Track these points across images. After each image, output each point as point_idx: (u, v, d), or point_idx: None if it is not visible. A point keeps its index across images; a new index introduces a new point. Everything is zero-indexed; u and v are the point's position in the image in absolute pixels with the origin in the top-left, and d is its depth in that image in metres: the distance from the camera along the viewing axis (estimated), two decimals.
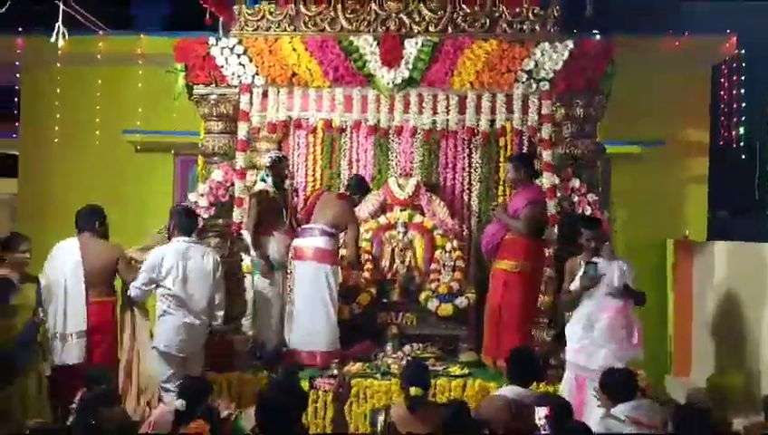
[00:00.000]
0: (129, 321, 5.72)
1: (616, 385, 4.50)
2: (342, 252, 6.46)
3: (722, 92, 8.20)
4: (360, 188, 6.61)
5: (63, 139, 8.40)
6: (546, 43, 5.82)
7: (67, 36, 6.19)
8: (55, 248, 5.63)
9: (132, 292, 5.55)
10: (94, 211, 5.73)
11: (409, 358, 6.12)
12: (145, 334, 5.72)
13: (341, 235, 6.42)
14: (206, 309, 5.54)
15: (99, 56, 8.23)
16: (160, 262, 5.46)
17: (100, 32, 7.83)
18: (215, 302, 5.59)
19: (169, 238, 5.67)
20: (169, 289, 5.45)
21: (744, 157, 7.71)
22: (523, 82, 5.84)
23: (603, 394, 4.55)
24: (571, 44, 5.82)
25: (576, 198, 5.85)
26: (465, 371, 6.01)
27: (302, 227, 6.42)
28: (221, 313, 5.64)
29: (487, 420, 4.42)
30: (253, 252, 6.20)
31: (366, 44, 5.90)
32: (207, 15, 7.42)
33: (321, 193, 6.70)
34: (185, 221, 5.59)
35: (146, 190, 8.33)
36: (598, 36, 7.04)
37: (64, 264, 5.54)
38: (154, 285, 5.51)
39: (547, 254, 6.25)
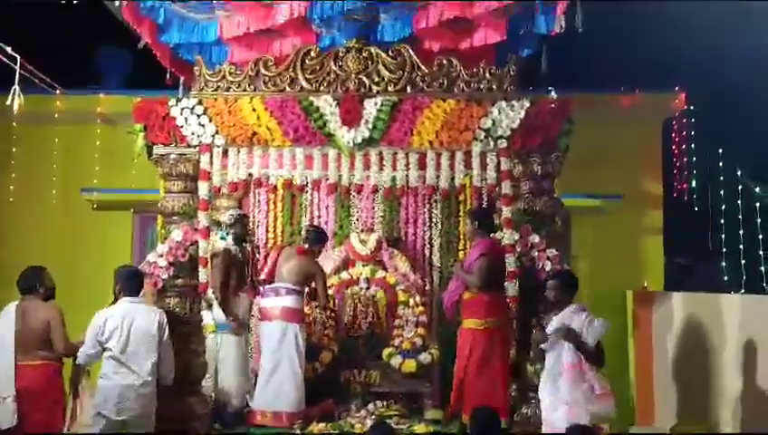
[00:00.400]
0: (83, 388, 5.55)
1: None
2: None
3: (673, 147, 8.43)
4: (318, 240, 6.61)
5: (19, 198, 8.28)
6: (503, 102, 5.92)
7: (23, 97, 6.14)
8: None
9: (80, 358, 5.40)
10: (34, 273, 5.57)
11: (373, 416, 6.10)
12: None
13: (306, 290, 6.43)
14: (152, 370, 5.38)
15: (56, 115, 8.18)
16: (103, 324, 5.34)
17: (58, 91, 7.79)
18: (162, 362, 5.45)
19: (115, 300, 5.57)
20: (111, 351, 5.32)
21: (696, 208, 7.89)
22: (481, 140, 5.91)
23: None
24: (527, 103, 5.92)
25: (536, 254, 5.89)
26: (430, 429, 5.98)
27: (267, 286, 6.41)
28: (170, 374, 5.49)
29: None
30: (220, 312, 6.20)
31: (326, 104, 5.94)
32: (168, 75, 7.47)
33: (282, 249, 6.69)
34: (129, 282, 5.51)
35: (104, 249, 8.22)
36: (554, 93, 7.20)
37: (3, 327, 5.39)
38: (101, 349, 5.36)
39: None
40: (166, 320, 5.48)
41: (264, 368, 6.19)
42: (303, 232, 6.86)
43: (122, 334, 5.33)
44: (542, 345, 5.31)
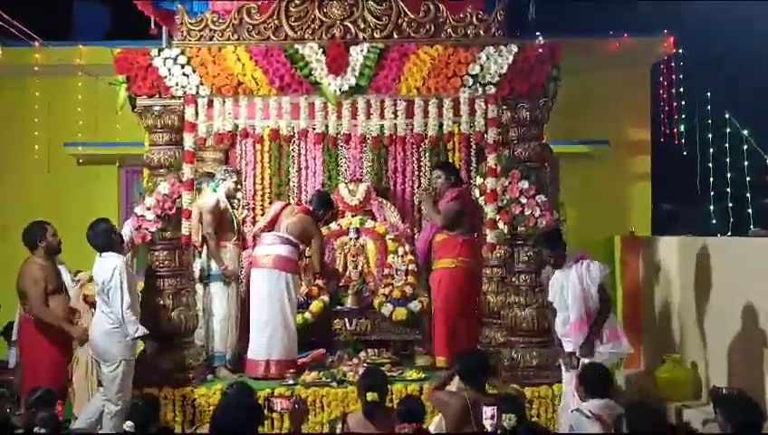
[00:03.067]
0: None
1: (591, 380, 4.60)
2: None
3: (661, 91, 8.41)
4: (320, 204, 6.61)
5: (1, 154, 8.19)
6: (491, 48, 5.86)
7: (1, 49, 6.02)
8: None
9: None
10: (34, 229, 5.72)
11: (365, 365, 6.15)
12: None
13: (306, 249, 6.53)
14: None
15: (36, 68, 8.04)
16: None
17: (37, 43, 7.65)
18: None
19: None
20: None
21: (685, 153, 7.91)
22: (469, 87, 5.87)
23: (581, 386, 4.66)
24: (515, 48, 5.87)
25: (525, 200, 5.91)
26: (422, 375, 6.05)
27: (263, 234, 6.44)
28: (128, 324, 5.38)
29: (443, 413, 4.50)
30: (213, 263, 6.25)
31: (311, 52, 5.87)
32: (152, 25, 7.33)
33: (287, 205, 6.71)
34: (97, 235, 5.52)
35: (90, 204, 8.16)
36: (542, 39, 7.14)
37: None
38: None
39: (496, 254, 6.38)
40: (119, 266, 5.38)
41: (256, 317, 6.24)
42: (296, 187, 6.97)
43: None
44: (549, 297, 5.43)
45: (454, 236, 6.31)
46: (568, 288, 5.30)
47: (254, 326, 6.23)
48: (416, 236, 7.12)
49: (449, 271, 6.29)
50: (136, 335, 5.40)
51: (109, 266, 5.39)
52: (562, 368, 5.44)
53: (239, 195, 6.78)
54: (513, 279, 6.05)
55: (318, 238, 6.47)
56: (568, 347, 5.33)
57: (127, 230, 6.01)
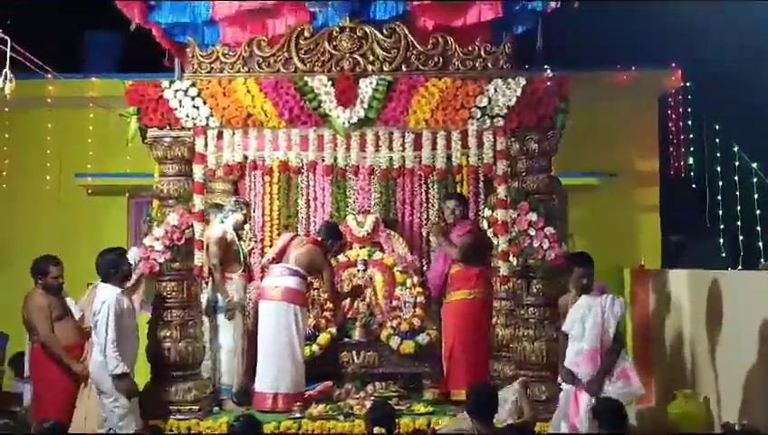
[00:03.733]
0: None
1: (606, 415, 4.54)
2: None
3: (669, 124, 8.42)
4: (329, 234, 6.56)
5: (12, 184, 8.24)
6: (499, 80, 5.88)
7: (14, 81, 6.09)
8: None
9: None
10: (37, 262, 5.71)
11: (372, 398, 6.12)
12: None
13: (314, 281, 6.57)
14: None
15: (49, 99, 8.12)
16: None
17: (50, 75, 7.74)
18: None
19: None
20: None
21: (694, 185, 7.90)
22: (477, 119, 5.88)
23: (595, 420, 4.60)
24: (523, 81, 5.89)
25: (534, 232, 5.88)
26: (430, 408, 6.01)
27: (271, 266, 6.44)
28: (108, 359, 5.27)
29: None
30: (219, 295, 6.25)
31: (320, 85, 5.90)
32: (166, 57, 7.41)
33: (295, 236, 6.70)
34: (99, 265, 5.51)
35: (99, 234, 8.15)
36: (550, 72, 7.18)
37: None
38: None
39: (506, 286, 6.34)
40: (105, 301, 5.34)
41: (264, 349, 6.22)
42: (304, 218, 7.05)
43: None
44: (564, 328, 5.33)
45: (469, 268, 6.31)
46: (588, 317, 5.21)
47: (262, 359, 6.21)
48: (424, 268, 7.11)
49: (467, 302, 6.27)
50: (114, 372, 5.28)
51: (101, 297, 5.38)
52: (560, 381, 5.36)
53: (247, 226, 6.80)
54: (523, 312, 6.00)
55: (328, 269, 6.45)
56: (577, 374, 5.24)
57: (131, 256, 5.97)
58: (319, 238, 6.57)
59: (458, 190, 7.11)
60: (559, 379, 5.40)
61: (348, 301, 6.89)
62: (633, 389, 5.17)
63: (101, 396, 5.40)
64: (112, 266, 5.48)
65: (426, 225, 7.16)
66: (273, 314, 6.22)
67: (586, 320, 5.20)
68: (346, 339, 6.71)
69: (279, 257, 6.51)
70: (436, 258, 6.71)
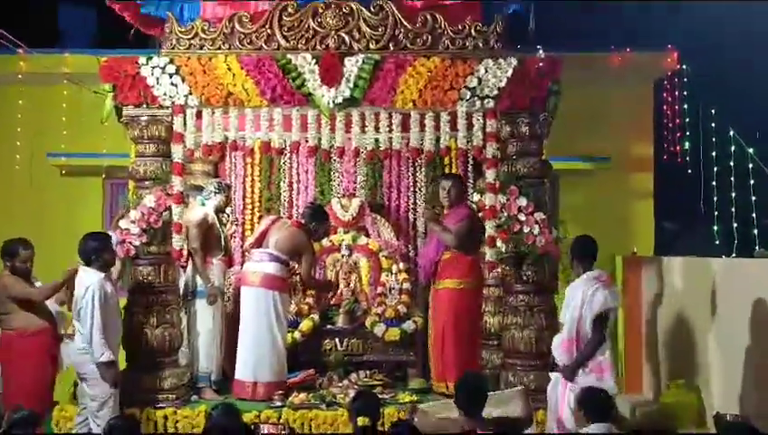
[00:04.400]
0: None
1: (591, 404, 4.58)
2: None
3: (665, 107, 8.44)
4: (314, 217, 6.51)
5: None
6: (490, 60, 5.87)
7: None
8: None
9: None
10: (8, 246, 5.74)
11: (356, 386, 6.13)
12: None
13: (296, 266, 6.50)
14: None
15: (20, 76, 8.04)
16: None
17: (21, 50, 7.65)
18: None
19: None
20: None
21: (689, 171, 7.93)
22: (466, 100, 5.88)
23: (579, 411, 4.62)
24: (515, 61, 5.89)
25: (523, 218, 5.90)
26: (415, 398, 6.02)
27: (253, 251, 6.43)
28: (95, 347, 5.27)
29: None
30: (200, 280, 6.24)
31: (304, 63, 5.88)
32: (131, 32, 7.34)
33: (275, 220, 6.66)
34: (81, 250, 5.49)
35: (74, 217, 8.13)
36: (542, 53, 7.17)
37: None
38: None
39: (494, 273, 6.37)
40: (92, 286, 5.33)
41: (243, 336, 6.22)
42: (287, 201, 7.00)
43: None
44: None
45: (460, 254, 6.22)
46: (568, 307, 5.24)
47: (242, 346, 6.21)
48: (410, 254, 7.12)
49: (455, 293, 6.17)
50: (100, 360, 5.28)
51: (84, 283, 5.36)
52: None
53: (228, 210, 6.78)
54: (512, 299, 6.03)
55: (309, 255, 6.41)
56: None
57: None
58: (303, 221, 6.54)
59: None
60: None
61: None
62: (605, 385, 5.02)
63: (83, 383, 5.40)
64: (94, 253, 5.46)
65: (412, 209, 7.18)
66: (253, 300, 6.21)
67: (566, 308, 5.25)
68: (329, 326, 6.70)
69: (259, 242, 6.49)
70: (428, 242, 6.68)
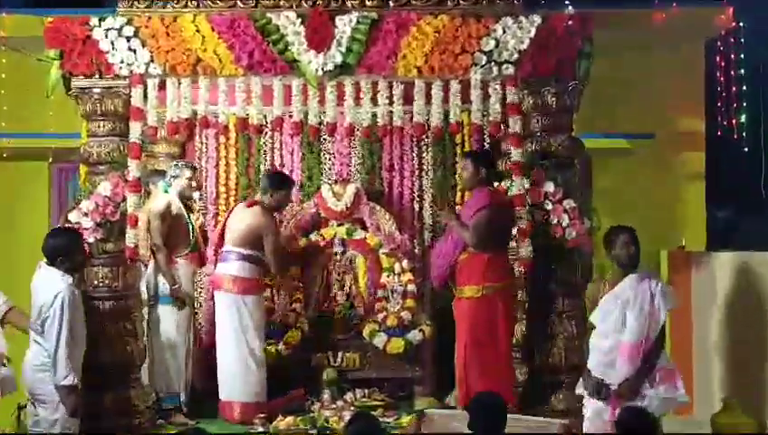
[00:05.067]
0: None
1: (633, 430, 4.56)
2: None
3: (718, 74, 8.41)
4: (269, 183, 6.48)
5: None
6: (509, 19, 5.88)
7: None
8: None
9: None
10: None
11: (352, 408, 6.17)
12: None
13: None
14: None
15: None
16: None
17: None
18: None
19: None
20: None
21: (746, 149, 7.92)
22: (481, 66, 5.89)
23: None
24: (538, 20, 5.89)
25: (550, 206, 5.90)
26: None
27: (222, 250, 6.46)
28: (59, 365, 5.25)
29: None
30: (163, 281, 6.26)
31: (288, 23, 5.88)
32: None
33: (233, 209, 6.70)
34: (46, 248, 5.48)
35: (14, 207, 8.19)
36: (571, 9, 7.13)
37: None
38: None
39: (519, 272, 6.34)
40: (60, 291, 5.32)
41: (218, 349, 6.30)
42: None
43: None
44: (592, 318, 5.32)
45: (477, 254, 5.94)
46: (633, 302, 5.15)
47: (218, 360, 6.30)
48: (416, 250, 7.14)
49: (474, 302, 5.92)
50: (64, 383, 5.25)
51: (50, 289, 5.32)
52: (584, 394, 5.31)
53: (196, 195, 6.73)
54: (536, 304, 6.04)
55: (270, 232, 6.33)
56: (609, 379, 5.19)
57: None
58: (257, 198, 6.53)
59: (458, 154, 7.10)
60: (579, 390, 5.35)
61: (317, 279, 6.90)
62: (678, 394, 5.14)
63: (37, 405, 5.36)
64: (63, 253, 5.45)
65: (418, 197, 7.20)
66: (223, 306, 6.29)
67: (629, 306, 5.14)
68: (320, 337, 6.73)
69: (221, 238, 6.53)
70: (445, 237, 6.39)
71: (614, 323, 5.18)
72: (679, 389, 5.17)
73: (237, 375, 6.19)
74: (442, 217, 6.51)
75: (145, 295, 6.33)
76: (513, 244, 6.15)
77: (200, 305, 6.74)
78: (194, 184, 6.63)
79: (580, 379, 5.34)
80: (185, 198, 6.52)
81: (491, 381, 5.74)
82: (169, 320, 6.31)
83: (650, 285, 5.16)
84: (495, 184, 6.39)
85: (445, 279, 6.16)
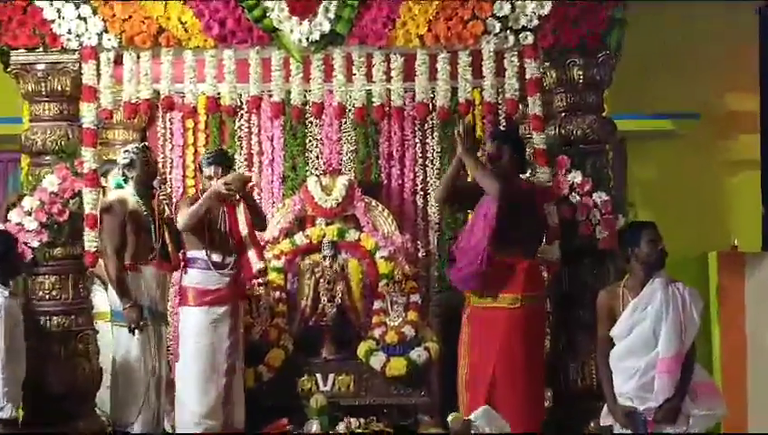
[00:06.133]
0: None
1: None
2: None
3: None
4: (209, 162, 6.37)
5: None
6: None
7: None
8: None
9: None
10: None
11: None
12: None
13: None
14: None
15: None
16: None
17: None
18: None
19: None
20: None
21: None
22: (495, 35, 5.91)
23: None
24: None
25: (577, 199, 5.89)
26: None
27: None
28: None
29: None
30: (113, 294, 6.20)
31: None
32: None
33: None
34: None
35: None
36: None
37: None
38: None
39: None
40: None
41: (182, 372, 6.29)
42: None
43: None
44: (614, 331, 5.26)
45: (519, 259, 5.78)
46: (667, 312, 5.12)
47: (182, 386, 6.31)
48: (419, 254, 7.15)
49: (509, 314, 5.75)
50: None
51: None
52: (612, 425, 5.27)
53: (155, 182, 6.65)
54: (562, 316, 6.06)
55: (183, 208, 6.27)
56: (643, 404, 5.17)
57: None
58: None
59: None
60: (605, 420, 5.31)
61: (304, 289, 6.88)
62: (721, 409, 5.20)
63: None
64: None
65: (421, 190, 7.23)
66: (191, 322, 6.30)
67: (663, 314, 5.11)
68: (307, 357, 6.73)
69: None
70: (472, 221, 6.07)
71: (644, 337, 5.16)
72: (721, 404, 5.22)
73: (213, 404, 6.19)
74: (458, 136, 5.97)
75: (104, 308, 6.31)
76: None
77: (168, 322, 6.67)
78: (147, 168, 6.46)
79: (605, 407, 5.31)
80: (144, 191, 6.37)
81: (522, 411, 5.68)
82: (129, 339, 6.24)
83: (678, 289, 5.18)
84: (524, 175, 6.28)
85: (479, 277, 5.81)
